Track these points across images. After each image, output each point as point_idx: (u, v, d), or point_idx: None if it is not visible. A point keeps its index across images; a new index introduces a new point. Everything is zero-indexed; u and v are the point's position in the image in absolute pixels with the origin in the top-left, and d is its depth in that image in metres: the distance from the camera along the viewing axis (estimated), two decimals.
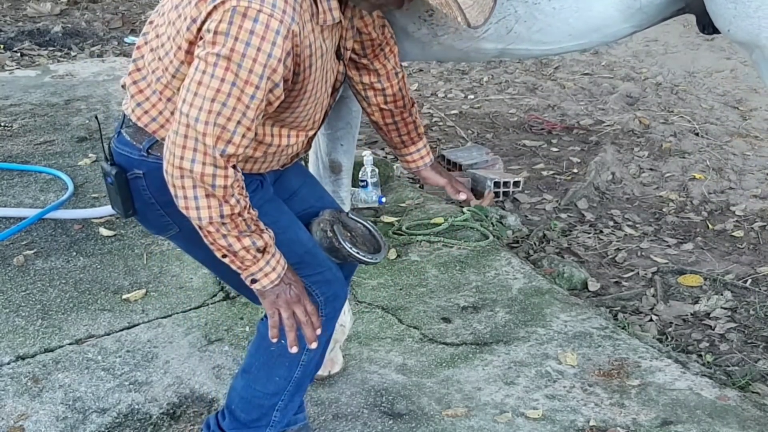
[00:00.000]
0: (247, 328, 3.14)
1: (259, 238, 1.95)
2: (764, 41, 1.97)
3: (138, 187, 2.05)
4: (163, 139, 1.97)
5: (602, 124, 5.43)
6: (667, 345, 3.17)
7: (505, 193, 4.40)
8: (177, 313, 3.23)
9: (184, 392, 2.80)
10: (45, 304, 3.26)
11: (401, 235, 3.81)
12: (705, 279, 3.67)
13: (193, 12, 1.84)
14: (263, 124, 2.01)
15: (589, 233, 4.10)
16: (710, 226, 4.19)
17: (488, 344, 3.06)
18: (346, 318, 2.81)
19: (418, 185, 4.41)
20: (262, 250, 1.96)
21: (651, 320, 3.37)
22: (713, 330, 3.31)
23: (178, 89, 1.92)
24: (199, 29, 1.83)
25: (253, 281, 1.99)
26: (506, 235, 3.93)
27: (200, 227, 1.92)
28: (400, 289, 3.40)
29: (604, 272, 3.75)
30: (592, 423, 2.66)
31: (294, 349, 2.06)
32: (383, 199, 4.10)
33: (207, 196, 1.86)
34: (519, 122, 5.50)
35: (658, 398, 2.77)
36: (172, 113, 1.94)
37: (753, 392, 2.88)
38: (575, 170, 4.79)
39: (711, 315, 3.41)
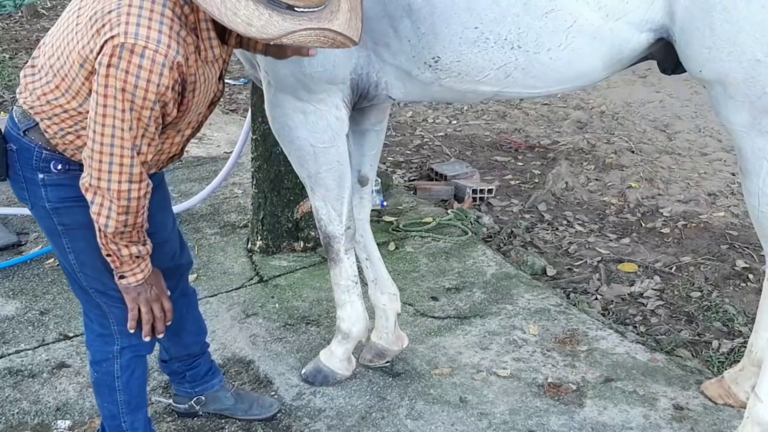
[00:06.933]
0: (277, 305, 3.15)
1: (143, 248, 1.85)
2: (731, 80, 1.90)
3: (11, 159, 1.89)
4: (42, 122, 1.83)
5: (558, 143, 5.43)
6: (609, 318, 3.17)
7: (481, 198, 4.40)
8: (221, 293, 3.24)
9: (227, 355, 2.81)
10: None
11: (399, 231, 3.82)
12: (639, 266, 3.67)
13: (91, 44, 1.68)
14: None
15: (548, 230, 4.10)
16: (643, 224, 4.20)
17: (467, 318, 3.07)
18: (394, 288, 2.73)
19: (412, 192, 4.42)
20: (142, 257, 1.86)
21: (596, 299, 3.37)
22: (645, 307, 3.32)
23: (67, 101, 1.79)
24: (93, 61, 1.68)
25: (122, 277, 1.86)
26: (482, 232, 3.93)
27: (100, 230, 1.79)
28: (398, 274, 3.40)
29: (559, 261, 3.76)
30: (549, 380, 2.67)
31: (147, 338, 1.96)
32: (385, 203, 4.10)
33: (120, 212, 1.75)
34: (492, 142, 5.50)
35: (602, 360, 2.78)
36: (49, 102, 1.81)
37: (677, 356, 2.89)
38: (536, 180, 4.79)
39: (644, 295, 3.42)
